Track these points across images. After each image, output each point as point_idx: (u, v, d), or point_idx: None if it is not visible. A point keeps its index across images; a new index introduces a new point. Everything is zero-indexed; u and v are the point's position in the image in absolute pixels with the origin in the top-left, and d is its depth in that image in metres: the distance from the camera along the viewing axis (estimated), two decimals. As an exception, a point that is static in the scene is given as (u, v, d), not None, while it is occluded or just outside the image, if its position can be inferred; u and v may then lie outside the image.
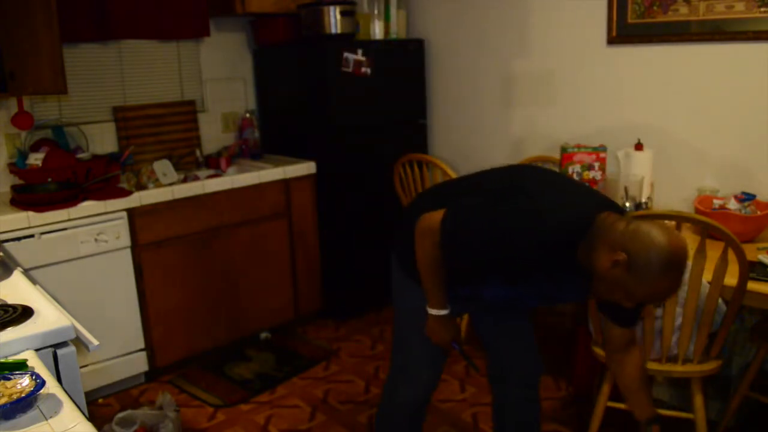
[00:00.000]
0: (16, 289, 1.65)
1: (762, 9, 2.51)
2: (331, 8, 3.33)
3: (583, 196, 1.61)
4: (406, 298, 1.96)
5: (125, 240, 2.83)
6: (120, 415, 2.49)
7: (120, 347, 2.90)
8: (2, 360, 1.29)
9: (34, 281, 1.74)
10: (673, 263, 1.40)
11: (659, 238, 1.40)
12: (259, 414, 2.78)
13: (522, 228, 1.53)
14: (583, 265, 1.50)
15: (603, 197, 1.63)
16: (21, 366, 1.26)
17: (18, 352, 1.34)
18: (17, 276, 1.76)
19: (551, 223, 1.50)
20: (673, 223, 2.29)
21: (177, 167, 3.33)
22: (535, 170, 1.77)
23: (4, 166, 2.97)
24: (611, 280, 1.45)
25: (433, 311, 1.81)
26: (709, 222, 1.91)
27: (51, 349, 1.40)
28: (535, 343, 2.05)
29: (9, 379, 1.20)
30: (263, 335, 3.42)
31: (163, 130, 3.43)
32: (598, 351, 2.23)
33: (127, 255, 2.85)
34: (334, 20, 3.35)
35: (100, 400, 2.90)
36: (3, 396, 1.13)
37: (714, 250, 1.99)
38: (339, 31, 3.37)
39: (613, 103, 3.06)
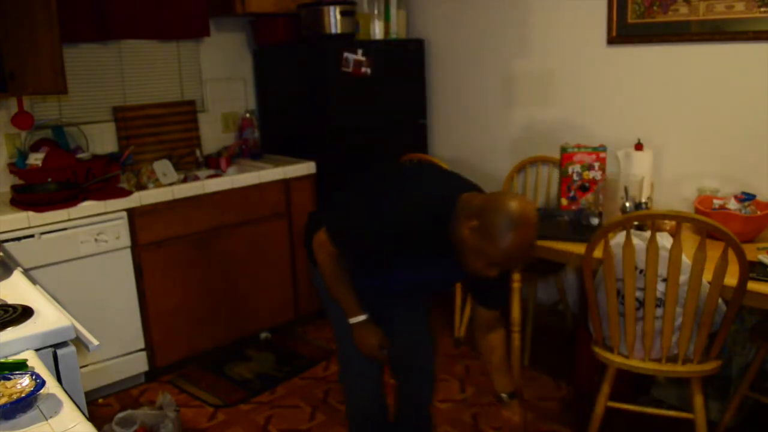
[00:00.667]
0: (16, 289, 1.65)
1: (762, 9, 2.51)
2: (331, 8, 3.33)
3: (448, 183, 1.79)
4: (333, 313, 2.03)
5: (125, 240, 2.83)
6: (120, 415, 2.49)
7: (120, 347, 2.90)
8: (2, 360, 1.29)
9: (34, 281, 1.74)
10: (518, 220, 1.54)
11: (506, 201, 1.57)
12: (259, 414, 2.78)
13: (393, 219, 1.71)
14: (452, 243, 1.66)
15: (469, 183, 1.80)
16: (21, 366, 1.26)
17: (18, 352, 1.34)
18: (17, 276, 1.76)
19: (417, 209, 1.70)
20: (673, 222, 2.29)
21: (177, 167, 3.33)
22: (404, 166, 1.94)
23: (4, 166, 2.97)
24: (470, 248, 1.61)
25: (352, 320, 1.90)
26: (709, 222, 1.91)
27: (51, 349, 1.40)
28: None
29: (9, 379, 1.20)
30: (263, 335, 3.42)
31: (163, 130, 3.42)
32: (599, 351, 2.23)
33: (127, 255, 2.85)
34: (334, 20, 3.35)
35: (100, 400, 2.90)
36: (3, 396, 1.13)
37: (714, 250, 1.99)
38: (339, 31, 3.37)
39: (613, 103, 3.06)
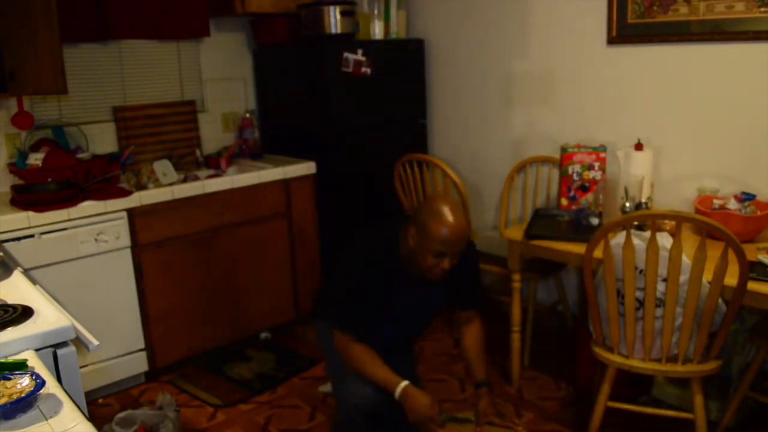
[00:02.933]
0: (16, 289, 1.65)
1: (762, 9, 2.51)
2: (331, 8, 3.33)
3: (392, 223, 2.10)
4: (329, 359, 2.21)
5: (125, 240, 2.83)
6: (120, 415, 2.49)
7: (120, 347, 2.90)
8: (2, 360, 1.29)
9: (34, 281, 1.74)
10: (439, 208, 1.89)
11: (428, 201, 1.96)
12: (259, 414, 2.78)
13: (361, 261, 2.04)
14: (410, 265, 1.98)
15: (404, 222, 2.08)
16: (21, 366, 1.26)
17: (18, 352, 1.34)
18: (17, 276, 1.76)
19: (374, 246, 2.07)
20: (673, 222, 2.29)
21: (177, 167, 3.32)
22: (360, 237, 2.16)
23: (4, 166, 2.97)
24: (416, 250, 1.92)
25: (397, 391, 1.94)
26: (709, 222, 1.91)
27: (51, 349, 1.40)
28: None
29: (9, 379, 1.20)
30: (263, 335, 3.42)
31: (163, 130, 3.42)
32: (599, 351, 2.23)
33: (127, 255, 2.85)
34: (334, 20, 3.35)
35: (100, 400, 2.90)
36: (3, 396, 1.13)
37: (714, 250, 1.99)
38: (339, 31, 3.37)
39: (613, 103, 3.06)
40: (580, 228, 2.60)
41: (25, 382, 1.18)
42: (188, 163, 3.50)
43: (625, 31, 2.91)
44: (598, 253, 2.10)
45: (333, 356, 2.13)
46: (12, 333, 1.37)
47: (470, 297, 2.22)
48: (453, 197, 3.28)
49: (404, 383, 1.95)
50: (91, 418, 1.19)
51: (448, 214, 1.88)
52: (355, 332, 2.03)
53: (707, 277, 1.97)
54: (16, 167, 2.90)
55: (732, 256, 1.88)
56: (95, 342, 1.47)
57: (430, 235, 1.87)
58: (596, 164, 2.81)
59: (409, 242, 1.95)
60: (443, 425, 1.94)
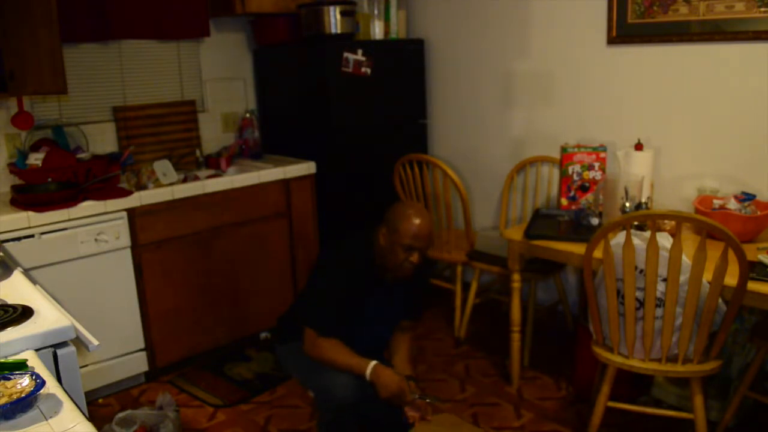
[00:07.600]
0: (16, 289, 1.65)
1: (762, 9, 2.51)
2: (331, 8, 3.33)
3: (362, 234, 2.24)
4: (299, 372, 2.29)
5: (125, 240, 2.83)
6: (120, 415, 2.49)
7: (120, 347, 2.90)
8: (2, 360, 1.29)
9: (34, 281, 1.74)
10: (409, 208, 2.12)
11: (399, 203, 2.17)
12: (259, 414, 2.78)
13: (335, 264, 2.20)
14: (381, 266, 2.15)
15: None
16: (21, 366, 1.26)
17: (18, 352, 1.34)
18: (17, 276, 1.76)
19: (348, 250, 2.23)
20: (673, 222, 2.29)
21: (177, 167, 3.32)
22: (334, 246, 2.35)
23: (4, 166, 2.97)
24: (387, 247, 2.11)
25: (368, 372, 2.05)
26: (709, 222, 1.91)
27: (51, 349, 1.40)
28: None
29: (9, 379, 1.20)
30: (263, 335, 3.42)
31: (163, 130, 3.42)
32: (599, 351, 2.23)
33: (127, 255, 2.85)
34: (334, 20, 3.35)
35: (100, 400, 2.90)
36: (3, 396, 1.13)
37: (714, 250, 1.99)
38: (339, 31, 3.37)
39: (613, 103, 3.06)
40: (580, 228, 2.60)
41: (25, 382, 1.18)
42: (188, 163, 3.50)
43: (625, 31, 2.91)
44: (598, 253, 2.10)
45: (302, 368, 2.22)
46: (12, 333, 1.37)
47: (413, 307, 2.36)
48: (453, 197, 3.29)
49: (373, 363, 2.05)
50: (91, 418, 1.19)
51: (416, 213, 2.09)
52: (324, 330, 2.12)
53: (707, 277, 1.97)
54: (16, 167, 2.90)
55: (732, 256, 1.88)
56: (95, 342, 1.46)
57: (401, 231, 2.07)
58: (596, 164, 2.81)
59: (381, 241, 2.13)
60: (414, 399, 2.11)
